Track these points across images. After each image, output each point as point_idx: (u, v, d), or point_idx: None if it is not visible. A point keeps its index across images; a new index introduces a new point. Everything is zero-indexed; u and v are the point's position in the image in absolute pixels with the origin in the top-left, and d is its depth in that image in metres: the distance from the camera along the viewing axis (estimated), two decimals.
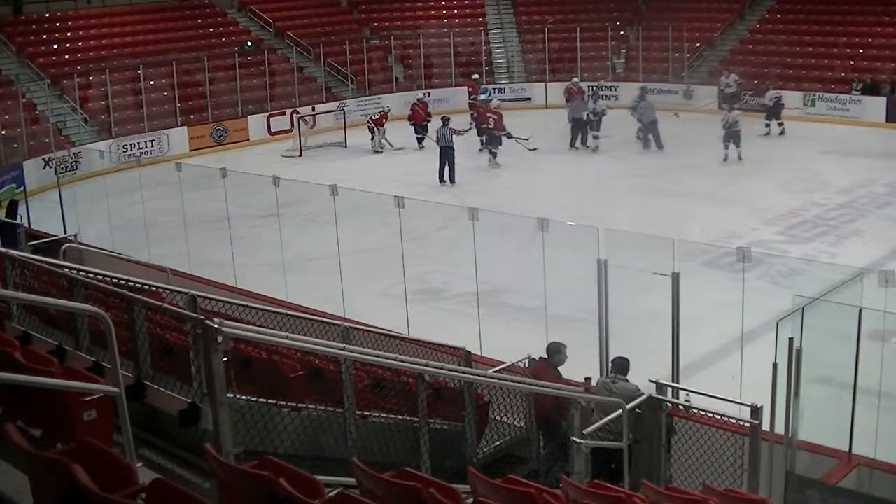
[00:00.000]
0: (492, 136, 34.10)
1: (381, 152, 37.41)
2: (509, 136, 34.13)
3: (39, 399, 6.64)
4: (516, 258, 20.09)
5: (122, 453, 6.34)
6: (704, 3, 48.52)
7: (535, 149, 34.61)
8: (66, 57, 40.51)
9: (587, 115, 36.38)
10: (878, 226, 25.75)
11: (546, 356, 13.12)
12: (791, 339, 11.02)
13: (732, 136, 32.71)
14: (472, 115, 37.02)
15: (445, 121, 33.63)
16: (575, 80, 42.10)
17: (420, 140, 37.11)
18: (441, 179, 32.07)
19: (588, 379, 13.18)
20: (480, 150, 34.93)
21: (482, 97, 41.42)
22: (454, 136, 32.80)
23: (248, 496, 5.76)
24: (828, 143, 35.58)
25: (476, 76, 45.01)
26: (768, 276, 20.50)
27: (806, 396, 11.31)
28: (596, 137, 35.92)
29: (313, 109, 41.49)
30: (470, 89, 43.25)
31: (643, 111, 36.05)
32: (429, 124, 36.86)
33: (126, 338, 8.37)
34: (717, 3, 48.30)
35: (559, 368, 13.06)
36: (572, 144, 36.41)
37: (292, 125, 39.81)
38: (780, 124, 37.22)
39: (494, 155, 34.05)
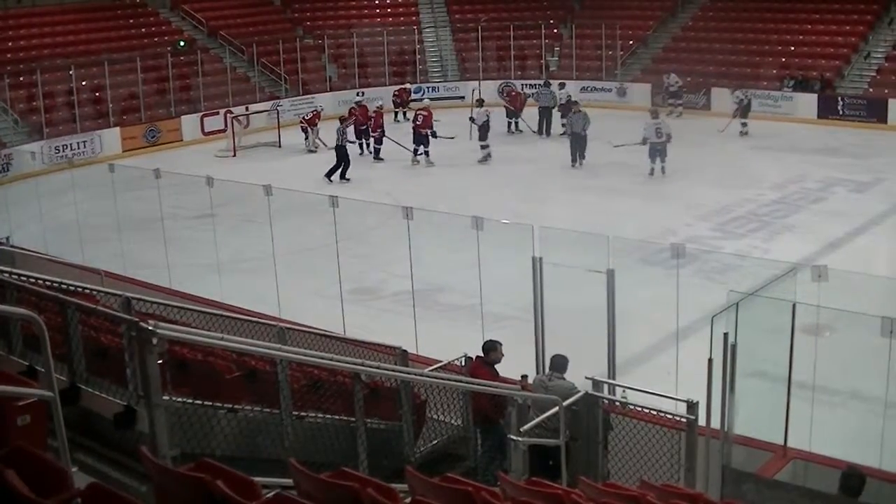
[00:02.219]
0: (420, 135, 34.12)
1: (315, 152, 37.17)
2: (434, 136, 34.11)
3: None
4: (451, 257, 20.10)
5: (57, 458, 6.26)
6: (637, 2, 48.86)
7: (452, 137, 34.71)
8: None
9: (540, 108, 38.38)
10: (810, 221, 26.03)
11: (482, 354, 13.13)
12: (726, 335, 11.09)
13: (658, 147, 31.11)
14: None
15: (342, 120, 34.11)
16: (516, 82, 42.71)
17: (360, 146, 36.49)
18: (328, 177, 32.20)
19: (524, 377, 13.20)
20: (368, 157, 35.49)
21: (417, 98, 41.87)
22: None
23: (184, 499, 5.71)
24: (760, 139, 36.03)
25: (408, 86, 44.92)
26: (703, 272, 20.64)
27: (741, 391, 11.38)
28: (485, 147, 34.73)
29: (247, 109, 41.20)
30: (396, 91, 43.28)
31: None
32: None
33: (60, 341, 8.28)
34: (649, 1, 48.68)
35: (495, 366, 13.08)
36: (539, 131, 38.15)
37: (226, 125, 39.46)
38: (744, 124, 37.05)
39: (427, 154, 34.12)
